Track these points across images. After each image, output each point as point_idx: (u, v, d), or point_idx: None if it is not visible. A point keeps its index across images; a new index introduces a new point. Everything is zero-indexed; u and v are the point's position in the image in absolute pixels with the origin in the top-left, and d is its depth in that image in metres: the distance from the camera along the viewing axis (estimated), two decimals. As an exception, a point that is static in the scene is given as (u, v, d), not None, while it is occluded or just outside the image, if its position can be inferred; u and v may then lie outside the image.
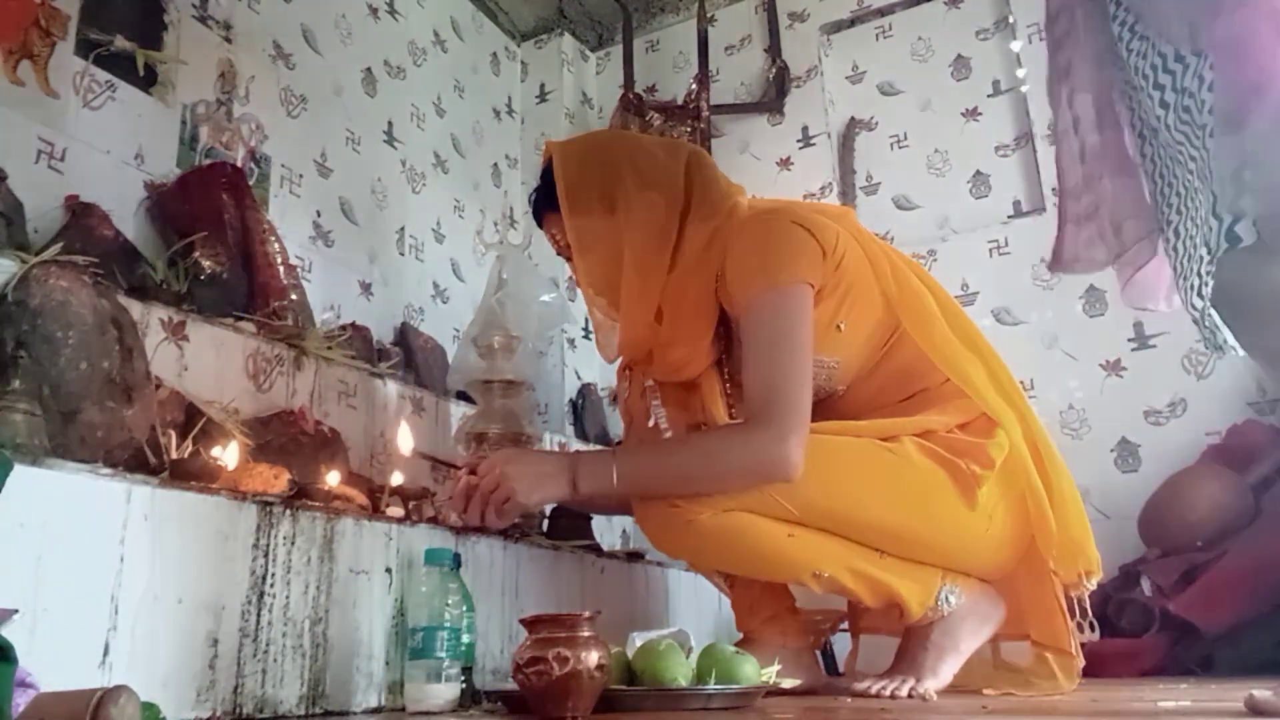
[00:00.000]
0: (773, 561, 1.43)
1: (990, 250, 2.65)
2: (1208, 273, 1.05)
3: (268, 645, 1.21)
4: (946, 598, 1.46)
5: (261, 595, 1.21)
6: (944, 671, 1.45)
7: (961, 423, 1.46)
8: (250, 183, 2.08)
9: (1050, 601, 1.46)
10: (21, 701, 0.79)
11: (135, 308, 1.51)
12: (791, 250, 1.44)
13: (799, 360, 1.40)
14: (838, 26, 3.11)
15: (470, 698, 1.35)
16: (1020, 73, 2.78)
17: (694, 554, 1.54)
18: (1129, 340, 2.42)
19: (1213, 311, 1.09)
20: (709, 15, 3.19)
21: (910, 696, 1.38)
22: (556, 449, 2.47)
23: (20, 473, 0.96)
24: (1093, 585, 1.45)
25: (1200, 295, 1.08)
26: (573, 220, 1.52)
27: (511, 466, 1.41)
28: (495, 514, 1.41)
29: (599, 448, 2.64)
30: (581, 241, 1.53)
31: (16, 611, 0.88)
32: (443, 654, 1.30)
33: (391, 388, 2.08)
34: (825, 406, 1.55)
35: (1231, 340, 1.17)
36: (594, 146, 1.61)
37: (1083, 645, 1.45)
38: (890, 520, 1.40)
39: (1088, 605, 1.46)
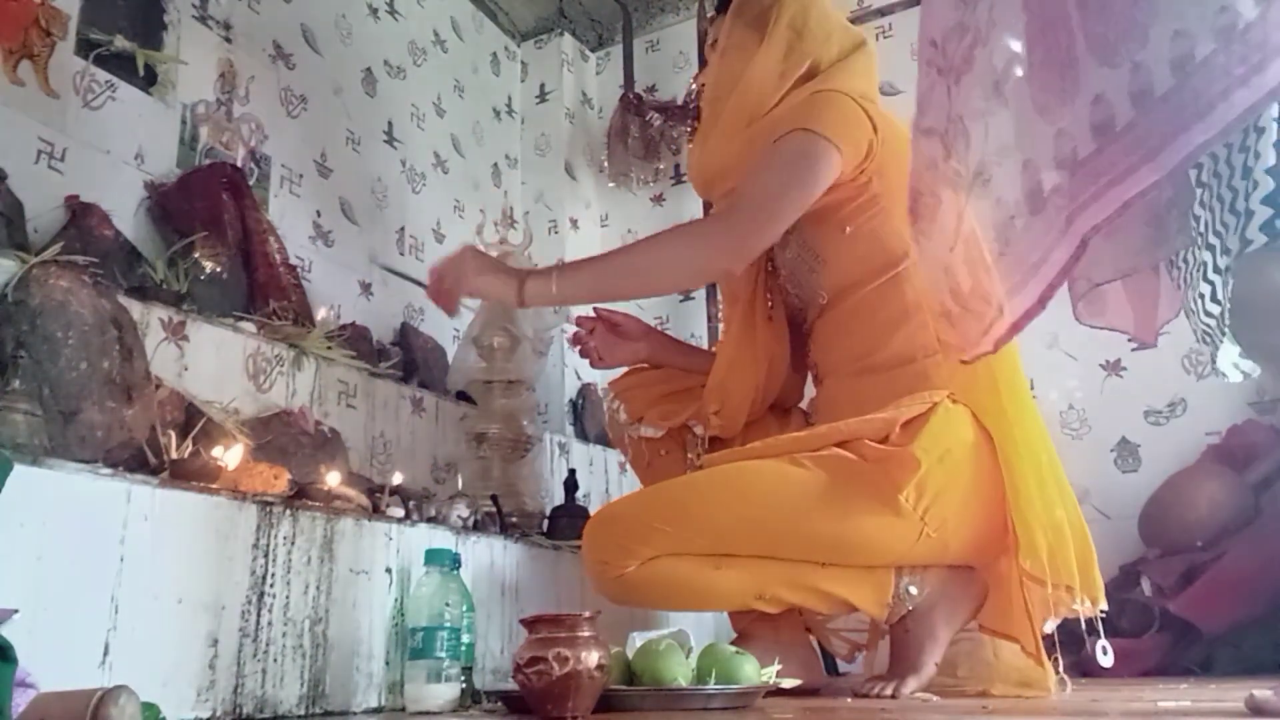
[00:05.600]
0: (709, 596, 1.48)
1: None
2: (1225, 269, 1.02)
3: (268, 645, 1.21)
4: (907, 589, 1.44)
5: (261, 595, 1.21)
6: (925, 664, 1.43)
7: (907, 419, 1.39)
8: (250, 183, 2.08)
9: (1004, 586, 1.43)
10: (21, 701, 0.80)
11: (135, 308, 1.51)
12: (842, 117, 1.47)
13: (790, 196, 1.44)
14: (838, 26, 3.10)
15: (470, 698, 1.35)
16: (1020, 72, 2.77)
17: (637, 603, 1.56)
18: (1129, 340, 2.41)
19: (1227, 322, 1.06)
20: (709, 15, 3.18)
21: (894, 697, 1.38)
22: (557, 449, 2.47)
23: (20, 473, 0.96)
24: (1082, 605, 1.33)
25: (1216, 300, 1.05)
26: (731, 21, 1.66)
27: (471, 259, 1.50)
28: (447, 291, 1.49)
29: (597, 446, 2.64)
30: (725, 45, 1.66)
31: (16, 611, 0.88)
32: (443, 654, 1.30)
33: (391, 388, 2.08)
34: (803, 338, 1.64)
35: (1235, 363, 1.15)
36: None
37: (1079, 649, 1.39)
38: (815, 538, 1.40)
39: (1099, 627, 1.32)
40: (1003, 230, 0.99)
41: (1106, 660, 1.30)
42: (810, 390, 1.72)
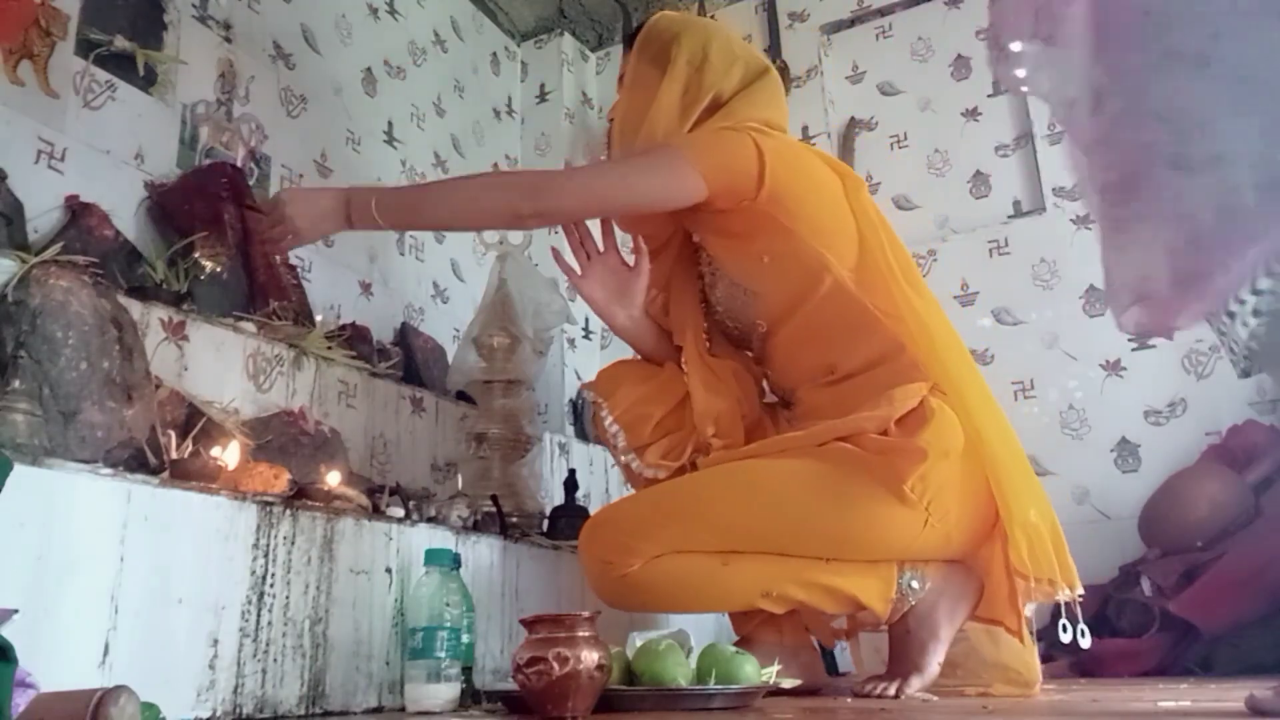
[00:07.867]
0: (716, 594, 1.46)
1: (990, 250, 2.65)
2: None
3: (268, 645, 1.21)
4: (910, 584, 1.44)
5: (261, 595, 1.21)
6: (929, 664, 1.43)
7: (901, 415, 1.40)
8: (250, 183, 2.08)
9: (996, 574, 1.45)
10: (21, 701, 0.79)
11: (135, 308, 1.51)
12: (722, 154, 1.48)
13: (622, 188, 1.49)
14: (838, 26, 3.11)
15: (470, 698, 1.35)
16: (1020, 72, 2.77)
17: (639, 605, 1.54)
18: (1129, 340, 2.42)
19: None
20: (709, 15, 3.19)
21: (897, 697, 1.38)
22: (557, 449, 2.47)
23: (20, 473, 0.96)
24: (1063, 594, 1.37)
25: (1254, 291, 1.04)
26: (635, 58, 1.69)
27: (292, 208, 1.54)
28: (279, 248, 1.59)
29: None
30: (630, 80, 1.69)
31: (16, 611, 0.88)
32: (443, 654, 1.30)
33: (391, 388, 2.08)
34: (759, 357, 1.66)
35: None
36: (692, 18, 1.76)
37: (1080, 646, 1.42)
38: (822, 531, 1.40)
39: (1078, 613, 1.38)
40: (1229, 212, 1.00)
41: (1085, 642, 1.38)
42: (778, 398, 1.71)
